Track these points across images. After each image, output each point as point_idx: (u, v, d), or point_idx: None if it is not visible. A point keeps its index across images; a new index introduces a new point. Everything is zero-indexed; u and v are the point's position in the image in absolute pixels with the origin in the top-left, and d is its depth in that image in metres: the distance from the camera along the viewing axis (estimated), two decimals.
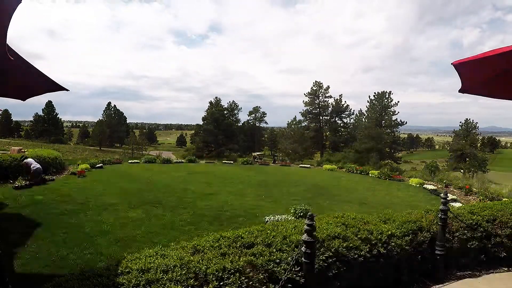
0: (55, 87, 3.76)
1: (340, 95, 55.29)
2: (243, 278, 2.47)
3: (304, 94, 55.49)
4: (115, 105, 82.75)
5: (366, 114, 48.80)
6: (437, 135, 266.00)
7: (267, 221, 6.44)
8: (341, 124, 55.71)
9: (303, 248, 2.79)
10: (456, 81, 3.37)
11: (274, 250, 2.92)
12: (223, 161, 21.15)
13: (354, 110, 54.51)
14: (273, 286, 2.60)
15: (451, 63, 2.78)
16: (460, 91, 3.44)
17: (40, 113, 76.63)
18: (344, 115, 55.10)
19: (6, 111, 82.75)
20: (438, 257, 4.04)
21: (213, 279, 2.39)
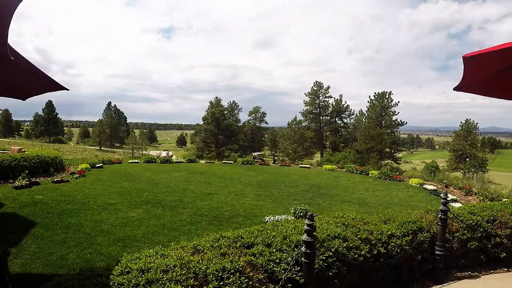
0: (55, 86, 3.76)
1: (340, 95, 55.32)
2: (243, 278, 2.47)
3: (305, 94, 55.52)
4: (115, 105, 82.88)
5: (366, 114, 48.81)
6: (437, 135, 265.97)
7: (267, 221, 6.44)
8: (341, 124, 55.68)
9: (303, 248, 2.79)
10: (456, 83, 3.35)
11: (274, 250, 2.92)
12: (223, 161, 21.16)
13: (354, 110, 54.52)
14: (273, 286, 2.60)
15: (462, 56, 2.70)
16: (455, 88, 3.37)
17: (40, 113, 76.66)
18: (344, 115, 55.09)
19: (6, 111, 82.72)
20: (438, 257, 4.04)
21: (213, 279, 2.39)
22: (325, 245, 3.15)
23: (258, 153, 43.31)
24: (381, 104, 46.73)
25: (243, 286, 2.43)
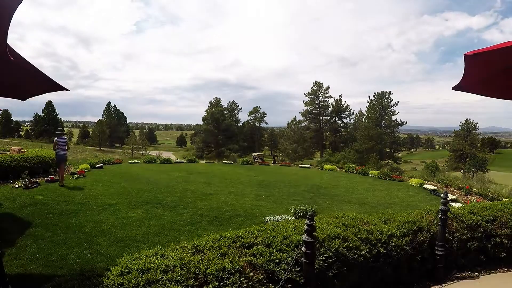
0: (55, 87, 3.76)
1: (340, 95, 55.34)
2: (243, 278, 2.47)
3: (304, 94, 55.57)
4: (115, 105, 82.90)
5: (366, 114, 48.82)
6: (437, 135, 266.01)
7: (267, 221, 6.44)
8: (341, 124, 55.72)
9: (303, 248, 2.79)
10: (456, 82, 3.34)
11: (274, 250, 2.92)
12: (223, 161, 21.17)
13: (354, 110, 54.56)
14: (273, 286, 2.60)
15: (464, 54, 2.69)
16: (454, 88, 3.36)
17: (40, 113, 76.64)
18: (344, 115, 55.13)
19: (6, 111, 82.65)
20: (438, 257, 4.03)
21: (213, 279, 2.39)
22: (325, 245, 3.15)
23: (258, 153, 43.34)
24: (381, 104, 46.74)
25: (243, 286, 2.43)
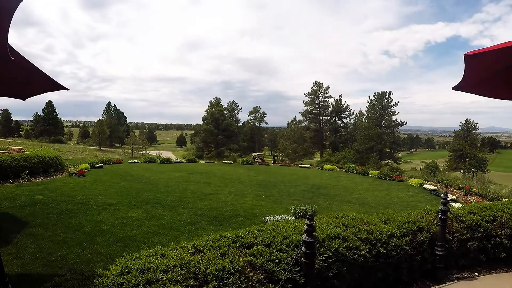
0: (55, 86, 3.76)
1: (340, 95, 55.35)
2: (242, 278, 2.47)
3: (304, 94, 55.55)
4: (115, 105, 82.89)
5: (366, 114, 48.79)
6: (437, 135, 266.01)
7: (267, 221, 6.44)
8: (341, 124, 55.71)
9: (303, 248, 2.79)
10: (456, 82, 3.34)
11: (274, 250, 2.92)
12: (223, 161, 21.18)
13: (354, 110, 54.54)
14: (272, 286, 2.60)
15: (464, 54, 2.70)
16: (454, 88, 3.36)
17: (40, 113, 76.62)
18: (344, 115, 55.13)
19: (6, 111, 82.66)
20: (438, 257, 4.04)
21: (213, 279, 2.39)
22: (325, 245, 3.15)
23: (258, 153, 43.32)
24: (381, 104, 46.70)
25: (243, 286, 2.43)
